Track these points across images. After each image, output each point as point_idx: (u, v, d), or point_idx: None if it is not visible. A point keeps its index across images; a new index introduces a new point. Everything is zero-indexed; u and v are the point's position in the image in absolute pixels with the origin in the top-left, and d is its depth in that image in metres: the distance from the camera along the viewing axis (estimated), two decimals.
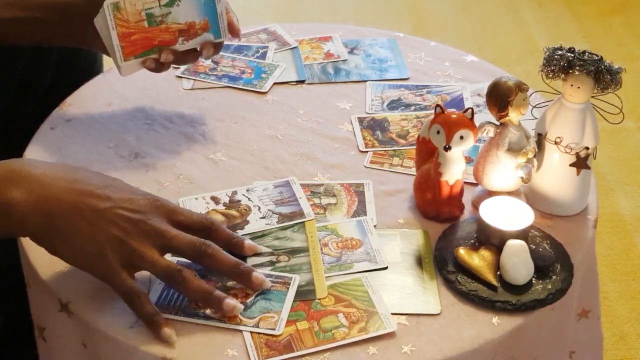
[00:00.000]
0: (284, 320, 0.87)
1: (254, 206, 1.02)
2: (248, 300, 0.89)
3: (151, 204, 0.89)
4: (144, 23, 1.05)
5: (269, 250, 0.96)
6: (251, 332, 0.86)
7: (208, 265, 0.89)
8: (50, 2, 1.10)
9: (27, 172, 0.88)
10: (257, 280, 0.89)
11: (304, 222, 1.00)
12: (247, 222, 0.99)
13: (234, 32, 1.12)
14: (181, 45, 1.09)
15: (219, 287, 0.90)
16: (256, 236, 0.98)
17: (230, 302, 0.87)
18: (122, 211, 0.86)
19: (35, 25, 1.10)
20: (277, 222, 0.99)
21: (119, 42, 1.05)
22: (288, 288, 0.91)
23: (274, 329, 0.86)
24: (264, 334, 0.86)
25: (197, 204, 1.02)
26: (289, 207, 1.01)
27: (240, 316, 0.87)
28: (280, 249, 0.96)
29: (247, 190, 1.04)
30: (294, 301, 0.89)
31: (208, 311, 0.88)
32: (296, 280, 0.92)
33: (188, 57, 1.11)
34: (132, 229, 0.86)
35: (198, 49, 1.10)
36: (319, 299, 0.90)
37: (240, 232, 0.97)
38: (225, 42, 1.36)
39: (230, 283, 0.91)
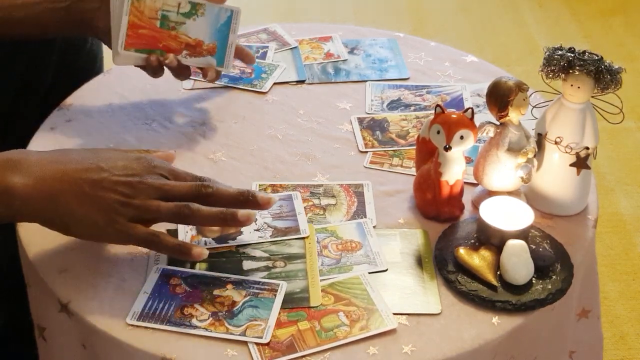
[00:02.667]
0: (271, 328, 0.86)
1: None
2: (235, 308, 0.89)
3: (146, 167, 0.92)
4: (157, 22, 1.05)
5: (266, 255, 0.96)
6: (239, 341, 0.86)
7: (213, 203, 0.91)
8: None
9: (23, 159, 0.91)
10: (264, 200, 0.92)
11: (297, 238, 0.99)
12: (241, 233, 0.99)
13: (249, 58, 1.18)
14: (183, 58, 1.09)
15: (206, 295, 0.91)
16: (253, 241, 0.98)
17: (244, 212, 0.90)
18: (118, 177, 0.89)
19: (43, 9, 1.10)
20: (270, 236, 0.99)
21: (126, 29, 1.05)
22: (275, 295, 0.90)
23: (261, 337, 0.86)
24: (251, 342, 0.85)
25: None
26: (285, 222, 1.01)
27: (227, 324, 0.87)
28: (277, 255, 0.96)
29: None
30: (287, 308, 0.89)
31: (194, 320, 0.88)
32: (283, 287, 0.91)
33: (184, 72, 1.12)
34: (130, 191, 0.89)
35: (196, 69, 1.12)
36: (314, 307, 0.90)
37: (231, 243, 0.97)
38: None
39: (215, 291, 0.91)
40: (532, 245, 0.94)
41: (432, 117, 0.97)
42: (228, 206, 0.91)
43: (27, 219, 0.93)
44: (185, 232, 0.98)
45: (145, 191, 0.89)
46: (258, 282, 0.92)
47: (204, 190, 0.91)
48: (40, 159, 0.92)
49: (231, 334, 0.86)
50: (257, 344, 0.85)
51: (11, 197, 0.88)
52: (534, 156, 0.99)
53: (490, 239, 0.94)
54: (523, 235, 0.93)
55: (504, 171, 0.99)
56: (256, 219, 1.00)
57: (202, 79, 1.26)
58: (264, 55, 1.32)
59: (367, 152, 1.13)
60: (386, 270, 0.94)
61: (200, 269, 0.94)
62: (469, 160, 1.06)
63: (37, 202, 0.89)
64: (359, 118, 1.19)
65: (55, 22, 1.10)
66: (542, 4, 2.96)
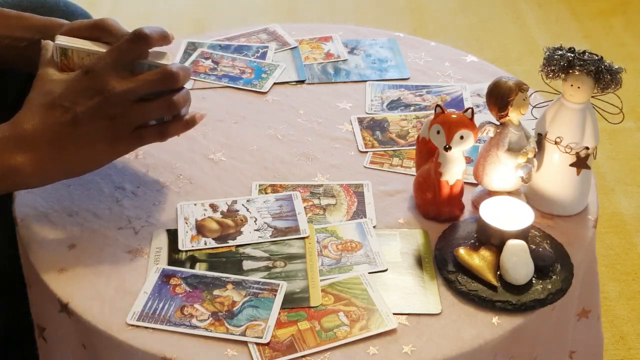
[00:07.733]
0: (271, 328, 0.86)
1: (250, 217, 1.01)
2: (235, 308, 0.89)
3: (93, 78, 0.91)
4: None
5: (266, 255, 0.96)
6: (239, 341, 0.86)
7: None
8: (32, 24, 1.09)
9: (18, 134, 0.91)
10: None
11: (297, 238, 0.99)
12: (241, 233, 0.99)
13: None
14: None
15: (206, 295, 0.91)
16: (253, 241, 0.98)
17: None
18: (86, 105, 0.91)
19: (5, 46, 1.10)
20: (270, 236, 0.99)
21: None
22: (275, 295, 0.90)
23: (261, 337, 0.86)
24: (251, 342, 0.85)
25: (195, 210, 1.02)
26: (285, 222, 1.01)
27: (226, 324, 0.87)
28: (277, 255, 0.96)
29: (247, 201, 1.04)
30: (287, 308, 0.89)
31: (194, 320, 0.88)
32: (283, 287, 0.91)
33: None
34: (110, 110, 0.91)
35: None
36: (314, 307, 0.90)
37: (231, 243, 0.97)
38: (225, 42, 1.36)
39: (215, 291, 0.91)
40: (532, 245, 0.94)
41: (432, 117, 0.97)
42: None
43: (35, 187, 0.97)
44: (185, 232, 0.98)
45: (120, 101, 0.91)
46: (258, 282, 0.92)
47: (170, 75, 0.92)
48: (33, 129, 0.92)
49: (231, 334, 0.86)
50: (257, 344, 0.85)
51: (16, 176, 0.91)
52: (534, 156, 0.99)
53: (490, 239, 0.94)
54: (523, 235, 0.93)
55: (504, 171, 0.99)
56: (256, 219, 1.01)
57: (202, 79, 1.26)
58: (264, 55, 1.32)
59: (367, 152, 1.13)
60: (386, 270, 0.94)
61: (200, 269, 0.94)
62: (469, 160, 1.06)
63: (38, 177, 0.92)
64: (359, 118, 1.19)
65: (18, 59, 1.10)
66: (542, 4, 2.96)
